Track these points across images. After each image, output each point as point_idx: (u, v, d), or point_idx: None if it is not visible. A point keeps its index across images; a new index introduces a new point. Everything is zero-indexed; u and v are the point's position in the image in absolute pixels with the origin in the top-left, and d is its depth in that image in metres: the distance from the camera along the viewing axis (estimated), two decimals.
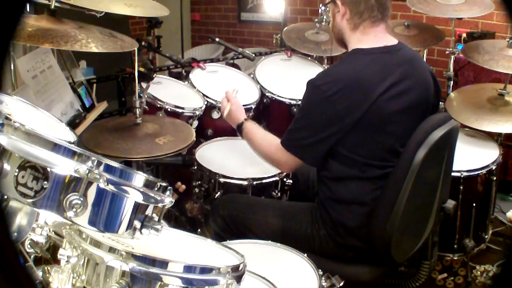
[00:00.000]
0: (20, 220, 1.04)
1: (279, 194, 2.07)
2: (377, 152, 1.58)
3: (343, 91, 1.53)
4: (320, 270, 1.44)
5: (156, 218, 0.94)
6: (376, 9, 1.59)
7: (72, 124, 2.05)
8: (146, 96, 1.99)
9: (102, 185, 0.88)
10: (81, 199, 0.86)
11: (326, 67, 2.97)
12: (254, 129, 1.88)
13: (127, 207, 0.90)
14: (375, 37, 1.62)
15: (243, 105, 2.51)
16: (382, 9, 1.61)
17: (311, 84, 1.60)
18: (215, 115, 2.46)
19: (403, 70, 1.60)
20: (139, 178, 0.96)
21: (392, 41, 1.66)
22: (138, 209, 0.92)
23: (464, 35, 3.64)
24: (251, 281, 1.31)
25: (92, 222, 0.88)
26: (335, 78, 1.57)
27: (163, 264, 0.90)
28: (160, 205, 0.95)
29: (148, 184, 0.97)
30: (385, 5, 1.61)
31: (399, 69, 1.59)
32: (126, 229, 0.91)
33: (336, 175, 1.63)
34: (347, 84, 1.54)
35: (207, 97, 2.49)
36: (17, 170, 0.86)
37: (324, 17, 2.92)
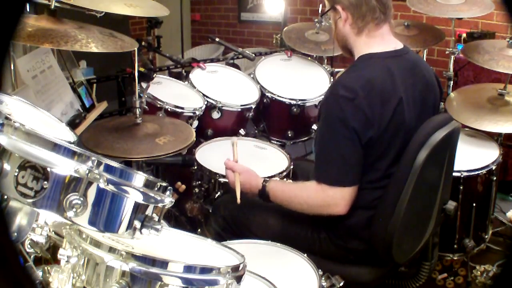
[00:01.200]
0: (20, 220, 1.04)
1: None
2: (390, 157, 1.54)
3: (368, 97, 1.47)
4: (320, 270, 1.44)
5: (156, 218, 0.95)
6: (378, 10, 1.56)
7: (72, 124, 2.05)
8: (146, 96, 1.99)
9: (102, 185, 0.88)
10: (81, 199, 0.86)
11: (327, 67, 2.97)
12: (280, 186, 1.68)
13: (127, 207, 0.90)
14: (382, 40, 1.59)
15: (243, 105, 2.54)
16: (384, 8, 1.57)
17: (331, 97, 1.53)
18: (215, 115, 2.46)
19: (415, 74, 1.59)
20: (139, 178, 0.96)
21: (399, 44, 1.64)
22: (138, 209, 0.92)
23: (464, 35, 3.64)
24: (251, 281, 1.31)
25: (92, 222, 0.88)
26: (357, 86, 1.49)
27: (163, 264, 0.90)
28: (160, 205, 0.95)
29: (148, 184, 0.97)
30: (386, 4, 1.58)
31: (411, 73, 1.58)
32: (126, 229, 0.91)
33: None
34: (370, 90, 1.48)
35: (207, 97, 2.49)
36: (17, 170, 0.86)
37: (323, 22, 2.92)
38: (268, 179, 1.71)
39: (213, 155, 2.20)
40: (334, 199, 1.52)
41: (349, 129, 1.47)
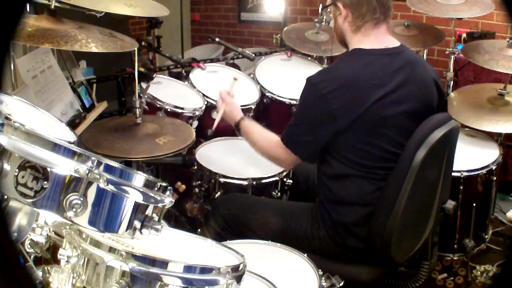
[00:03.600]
0: (20, 220, 1.04)
1: (279, 194, 2.07)
2: (375, 153, 1.57)
3: (340, 90, 1.53)
4: (320, 270, 1.44)
5: (156, 218, 0.94)
6: (378, 11, 1.58)
7: (72, 124, 2.05)
8: (146, 96, 1.99)
9: (102, 185, 0.88)
10: (81, 199, 0.86)
11: (325, 67, 2.98)
12: (251, 127, 1.88)
13: (127, 207, 0.90)
14: (376, 38, 1.61)
15: (243, 105, 2.54)
16: (384, 9, 1.59)
17: (308, 81, 1.61)
18: (215, 115, 2.46)
19: (403, 75, 1.58)
20: (139, 178, 0.96)
21: (393, 42, 1.64)
22: (138, 209, 0.92)
23: (464, 35, 3.63)
24: (251, 281, 1.31)
25: (92, 222, 0.88)
26: (333, 77, 1.57)
27: (163, 264, 0.90)
28: (160, 205, 0.95)
29: (148, 184, 0.97)
30: (387, 5, 1.60)
31: (398, 74, 1.57)
32: (126, 229, 0.91)
33: (336, 173, 1.63)
34: (344, 83, 1.54)
35: (207, 97, 2.49)
36: (17, 170, 0.86)
37: (324, 17, 2.92)
38: (246, 117, 1.94)
39: (213, 155, 2.21)
40: (286, 159, 1.72)
41: (317, 114, 1.58)
